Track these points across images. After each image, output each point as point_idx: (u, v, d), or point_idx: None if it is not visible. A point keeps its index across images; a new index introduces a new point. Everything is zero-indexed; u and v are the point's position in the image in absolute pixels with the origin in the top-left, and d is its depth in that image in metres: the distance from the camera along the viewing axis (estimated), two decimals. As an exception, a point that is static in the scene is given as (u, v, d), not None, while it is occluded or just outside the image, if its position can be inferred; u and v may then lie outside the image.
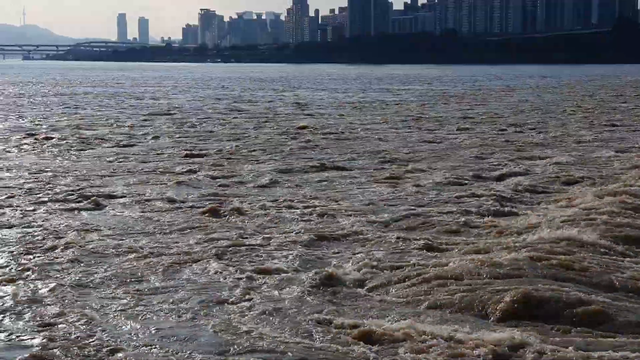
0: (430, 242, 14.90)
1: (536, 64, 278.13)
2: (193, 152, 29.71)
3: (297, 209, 18.27)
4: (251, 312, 10.84)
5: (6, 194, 19.68)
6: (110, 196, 19.73)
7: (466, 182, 22.76)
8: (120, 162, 26.70)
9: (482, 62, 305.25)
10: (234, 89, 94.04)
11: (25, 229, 15.80)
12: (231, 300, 11.37)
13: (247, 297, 11.50)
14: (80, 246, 14.35)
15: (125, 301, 11.35)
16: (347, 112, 53.31)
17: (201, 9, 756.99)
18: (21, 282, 12.18)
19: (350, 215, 17.52)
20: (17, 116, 47.85)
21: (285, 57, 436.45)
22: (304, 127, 40.15)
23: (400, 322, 10.39)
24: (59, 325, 10.32)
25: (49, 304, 11.13)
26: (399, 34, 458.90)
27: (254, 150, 30.31)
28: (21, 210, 17.70)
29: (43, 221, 16.59)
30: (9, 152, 29.43)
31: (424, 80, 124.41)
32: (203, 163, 26.56)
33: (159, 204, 18.84)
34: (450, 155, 29.06)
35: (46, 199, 19.16)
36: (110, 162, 26.67)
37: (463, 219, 17.08)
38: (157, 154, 29.26)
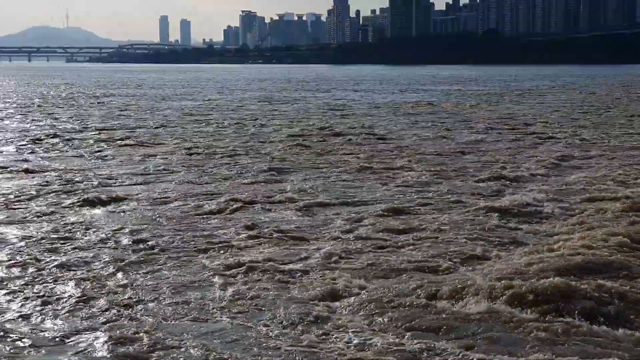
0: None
1: (579, 64, 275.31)
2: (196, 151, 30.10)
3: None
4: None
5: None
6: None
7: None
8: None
9: (525, 62, 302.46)
10: (271, 89, 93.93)
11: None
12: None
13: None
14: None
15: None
16: (379, 113, 53.00)
17: (242, 11, 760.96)
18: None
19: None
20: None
21: (325, 58, 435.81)
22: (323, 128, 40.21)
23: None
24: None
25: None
26: (440, 35, 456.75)
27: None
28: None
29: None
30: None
31: (466, 81, 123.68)
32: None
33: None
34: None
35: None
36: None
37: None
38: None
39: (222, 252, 14.18)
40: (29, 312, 10.87)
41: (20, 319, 10.62)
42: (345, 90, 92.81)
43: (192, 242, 14.86)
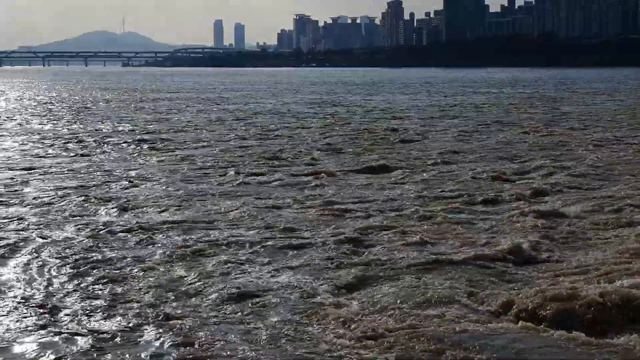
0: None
1: (636, 66, 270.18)
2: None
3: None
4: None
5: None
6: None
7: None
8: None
9: (582, 65, 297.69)
10: (324, 93, 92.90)
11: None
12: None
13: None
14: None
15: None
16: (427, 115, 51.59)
17: (296, 14, 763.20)
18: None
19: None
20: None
21: (380, 61, 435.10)
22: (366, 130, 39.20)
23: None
24: None
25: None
26: (494, 37, 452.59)
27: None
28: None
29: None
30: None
31: (518, 83, 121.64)
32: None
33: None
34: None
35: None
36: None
37: None
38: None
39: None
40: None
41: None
42: (401, 93, 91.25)
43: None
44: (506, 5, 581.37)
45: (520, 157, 27.98)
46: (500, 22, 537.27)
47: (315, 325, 9.99)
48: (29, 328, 9.94)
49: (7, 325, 10.05)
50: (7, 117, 51.36)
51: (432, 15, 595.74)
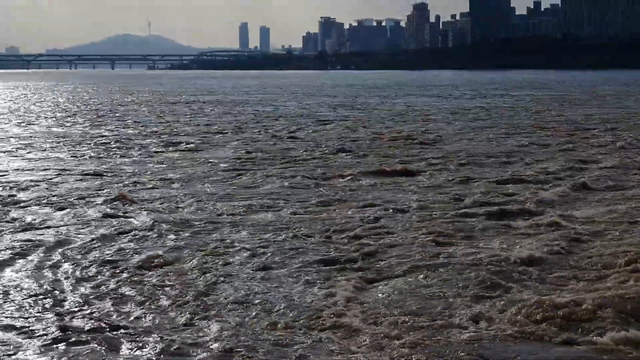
0: None
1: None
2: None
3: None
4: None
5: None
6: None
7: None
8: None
9: (607, 67, 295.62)
10: (346, 95, 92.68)
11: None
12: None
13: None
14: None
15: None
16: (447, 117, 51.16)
17: (321, 17, 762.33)
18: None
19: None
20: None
21: (405, 63, 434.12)
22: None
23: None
24: None
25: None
26: (519, 39, 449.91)
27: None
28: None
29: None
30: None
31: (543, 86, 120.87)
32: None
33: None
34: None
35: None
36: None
37: None
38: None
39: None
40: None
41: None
42: (425, 96, 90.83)
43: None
44: (532, 7, 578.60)
45: (541, 160, 27.55)
46: (526, 25, 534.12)
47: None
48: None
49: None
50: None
51: (457, 17, 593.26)
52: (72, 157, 29.60)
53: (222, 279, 12.05)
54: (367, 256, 13.46)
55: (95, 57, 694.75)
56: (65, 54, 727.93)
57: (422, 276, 12.06)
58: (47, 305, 10.78)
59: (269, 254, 13.55)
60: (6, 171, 25.06)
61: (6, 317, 10.31)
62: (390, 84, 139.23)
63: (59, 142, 35.32)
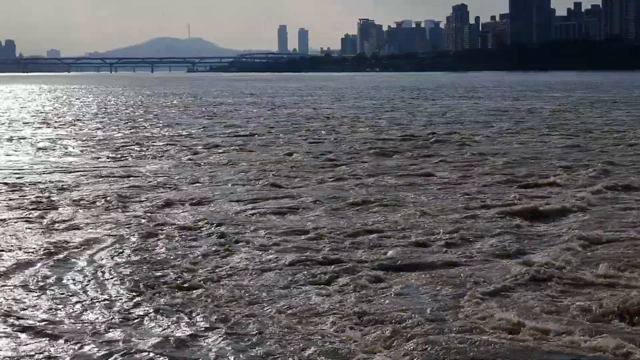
0: None
1: None
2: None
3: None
4: None
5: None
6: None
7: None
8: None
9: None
10: (383, 97, 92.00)
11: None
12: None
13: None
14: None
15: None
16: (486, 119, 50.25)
17: (360, 19, 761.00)
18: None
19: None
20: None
21: (444, 65, 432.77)
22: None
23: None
24: None
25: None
26: (561, 40, 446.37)
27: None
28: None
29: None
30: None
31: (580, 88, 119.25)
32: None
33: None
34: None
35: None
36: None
37: None
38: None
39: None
40: None
41: None
42: (463, 98, 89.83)
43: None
44: (572, 8, 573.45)
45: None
46: (567, 26, 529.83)
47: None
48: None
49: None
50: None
51: (497, 19, 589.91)
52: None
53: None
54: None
55: (135, 60, 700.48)
56: (106, 57, 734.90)
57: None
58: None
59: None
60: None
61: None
62: (430, 87, 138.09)
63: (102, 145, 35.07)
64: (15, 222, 16.60)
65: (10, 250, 13.93)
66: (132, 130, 43.92)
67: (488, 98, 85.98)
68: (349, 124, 47.75)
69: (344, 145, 33.90)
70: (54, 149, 33.36)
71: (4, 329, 9.85)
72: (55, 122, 52.76)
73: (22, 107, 75.68)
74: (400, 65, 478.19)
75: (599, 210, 17.53)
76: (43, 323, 9.99)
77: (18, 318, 10.18)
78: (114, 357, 8.89)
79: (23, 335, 9.60)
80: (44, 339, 9.45)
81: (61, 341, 9.37)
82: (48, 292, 11.39)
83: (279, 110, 65.53)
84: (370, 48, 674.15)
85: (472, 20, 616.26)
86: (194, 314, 10.29)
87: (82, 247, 14.17)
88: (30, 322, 10.03)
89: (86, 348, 9.16)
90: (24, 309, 10.58)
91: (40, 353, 9.02)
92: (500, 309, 10.30)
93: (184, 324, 9.95)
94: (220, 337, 9.47)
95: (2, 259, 13.29)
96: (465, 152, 30.81)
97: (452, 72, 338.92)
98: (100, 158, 29.82)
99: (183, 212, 17.89)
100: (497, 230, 15.40)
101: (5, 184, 22.59)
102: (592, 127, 43.06)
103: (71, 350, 9.09)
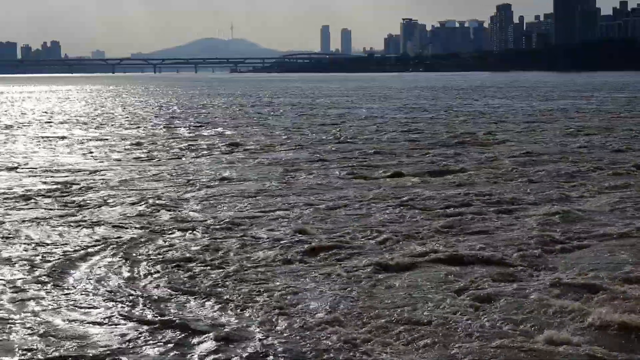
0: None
1: None
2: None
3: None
4: None
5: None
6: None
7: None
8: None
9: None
10: (427, 97, 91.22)
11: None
12: None
13: None
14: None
15: None
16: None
17: (403, 19, 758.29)
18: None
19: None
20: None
21: (488, 65, 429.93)
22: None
23: None
24: None
25: None
26: (606, 40, 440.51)
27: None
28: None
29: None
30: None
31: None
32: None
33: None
34: None
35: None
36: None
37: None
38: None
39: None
40: None
41: None
42: (506, 98, 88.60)
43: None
44: (618, 8, 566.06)
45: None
46: (612, 25, 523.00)
47: None
48: None
49: None
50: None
51: (541, 18, 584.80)
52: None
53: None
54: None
55: (179, 60, 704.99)
56: (150, 58, 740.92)
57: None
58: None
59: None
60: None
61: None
62: (473, 87, 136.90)
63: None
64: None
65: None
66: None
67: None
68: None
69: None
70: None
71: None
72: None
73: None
74: (444, 65, 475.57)
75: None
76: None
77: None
78: None
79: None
80: None
81: None
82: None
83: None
84: (414, 48, 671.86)
85: (516, 20, 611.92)
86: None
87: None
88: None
89: None
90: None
91: None
92: None
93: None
94: None
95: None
96: None
97: (498, 72, 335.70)
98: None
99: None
100: None
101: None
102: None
103: None
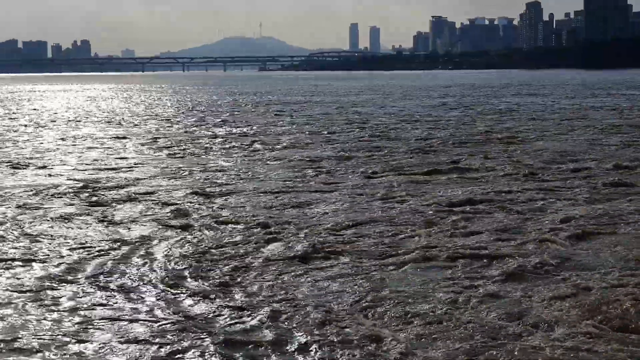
0: None
1: None
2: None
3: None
4: None
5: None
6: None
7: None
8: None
9: None
10: (455, 95, 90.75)
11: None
12: None
13: None
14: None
15: None
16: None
17: (432, 16, 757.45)
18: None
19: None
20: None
21: (518, 62, 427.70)
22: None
23: None
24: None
25: None
26: (637, 37, 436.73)
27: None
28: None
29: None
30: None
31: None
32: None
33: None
34: None
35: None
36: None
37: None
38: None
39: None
40: None
41: None
42: (534, 95, 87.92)
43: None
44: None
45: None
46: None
47: None
48: None
49: None
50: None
51: (572, 15, 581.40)
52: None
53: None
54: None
55: (207, 59, 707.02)
56: (179, 57, 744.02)
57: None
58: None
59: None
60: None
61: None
62: (503, 85, 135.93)
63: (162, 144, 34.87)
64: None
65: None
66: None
67: None
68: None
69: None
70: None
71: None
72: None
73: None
74: (474, 63, 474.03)
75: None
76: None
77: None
78: None
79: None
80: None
81: None
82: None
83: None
84: (443, 45, 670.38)
85: (545, 17, 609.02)
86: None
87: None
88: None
89: None
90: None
91: None
92: None
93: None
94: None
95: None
96: None
97: (528, 70, 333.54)
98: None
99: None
100: None
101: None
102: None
103: None
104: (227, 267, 12.54)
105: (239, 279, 11.84)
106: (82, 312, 10.32)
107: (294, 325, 9.73)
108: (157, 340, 9.31)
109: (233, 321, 9.92)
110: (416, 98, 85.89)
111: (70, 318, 10.11)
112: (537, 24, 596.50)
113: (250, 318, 10.01)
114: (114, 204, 18.65)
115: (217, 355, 8.85)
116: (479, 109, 61.55)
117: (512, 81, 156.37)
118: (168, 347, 9.10)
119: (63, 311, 10.39)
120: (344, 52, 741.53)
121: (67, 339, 9.32)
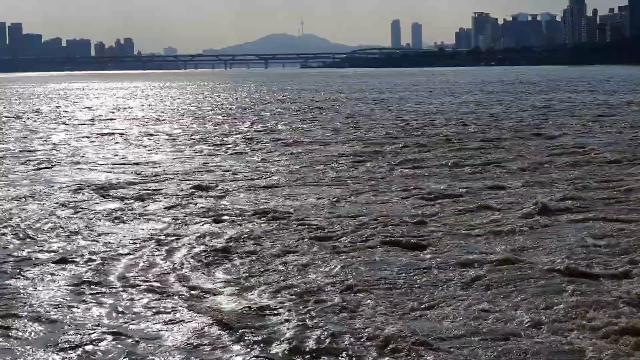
0: None
1: None
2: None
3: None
4: None
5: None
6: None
7: None
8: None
9: None
10: (496, 92, 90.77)
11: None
12: None
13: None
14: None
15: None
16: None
17: (475, 12, 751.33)
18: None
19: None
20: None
21: (561, 59, 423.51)
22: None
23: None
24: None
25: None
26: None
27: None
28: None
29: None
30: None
31: None
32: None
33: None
34: None
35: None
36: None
37: None
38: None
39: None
40: None
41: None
42: (576, 92, 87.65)
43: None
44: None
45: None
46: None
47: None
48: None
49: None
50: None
51: (616, 11, 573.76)
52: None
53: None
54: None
55: (249, 56, 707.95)
56: (221, 54, 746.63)
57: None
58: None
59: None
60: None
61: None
62: (545, 81, 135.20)
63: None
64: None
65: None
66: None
67: None
68: None
69: None
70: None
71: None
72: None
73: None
74: (516, 59, 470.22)
75: None
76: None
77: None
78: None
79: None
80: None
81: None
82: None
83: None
84: (485, 41, 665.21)
85: (589, 13, 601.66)
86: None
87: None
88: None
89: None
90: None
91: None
92: None
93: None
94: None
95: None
96: None
97: (570, 66, 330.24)
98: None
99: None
100: None
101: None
102: None
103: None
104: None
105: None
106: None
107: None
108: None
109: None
110: (461, 95, 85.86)
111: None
112: (581, 19, 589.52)
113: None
114: (156, 198, 19.88)
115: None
116: (524, 104, 61.40)
117: (556, 78, 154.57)
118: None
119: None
120: (386, 49, 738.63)
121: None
